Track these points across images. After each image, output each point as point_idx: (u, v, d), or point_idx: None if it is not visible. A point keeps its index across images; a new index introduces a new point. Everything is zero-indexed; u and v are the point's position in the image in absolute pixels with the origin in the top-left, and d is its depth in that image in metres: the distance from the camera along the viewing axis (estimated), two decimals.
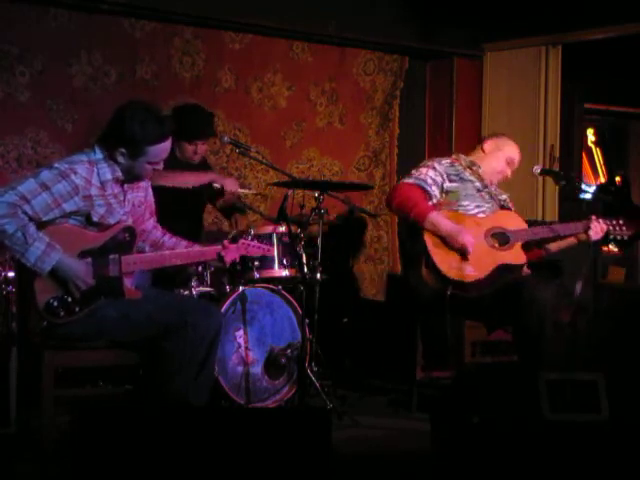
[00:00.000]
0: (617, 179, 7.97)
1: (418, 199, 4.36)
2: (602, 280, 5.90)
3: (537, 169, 4.72)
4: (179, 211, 4.60)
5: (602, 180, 8.26)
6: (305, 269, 4.58)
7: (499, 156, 4.58)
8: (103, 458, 2.79)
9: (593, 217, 4.46)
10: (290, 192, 4.51)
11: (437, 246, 4.30)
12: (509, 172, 4.61)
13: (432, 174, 4.47)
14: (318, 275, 4.70)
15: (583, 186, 4.87)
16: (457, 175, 4.52)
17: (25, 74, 4.90)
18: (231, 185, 4.75)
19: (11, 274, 3.91)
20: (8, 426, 3.86)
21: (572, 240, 4.51)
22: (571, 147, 7.37)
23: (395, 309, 5.79)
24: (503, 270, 4.30)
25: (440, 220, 4.31)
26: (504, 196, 4.68)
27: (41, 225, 3.49)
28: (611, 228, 4.46)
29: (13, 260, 3.71)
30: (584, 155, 8.10)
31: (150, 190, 3.87)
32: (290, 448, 2.79)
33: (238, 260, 3.97)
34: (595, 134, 8.29)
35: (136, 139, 3.53)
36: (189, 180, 4.62)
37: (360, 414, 4.54)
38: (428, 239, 4.32)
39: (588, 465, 2.87)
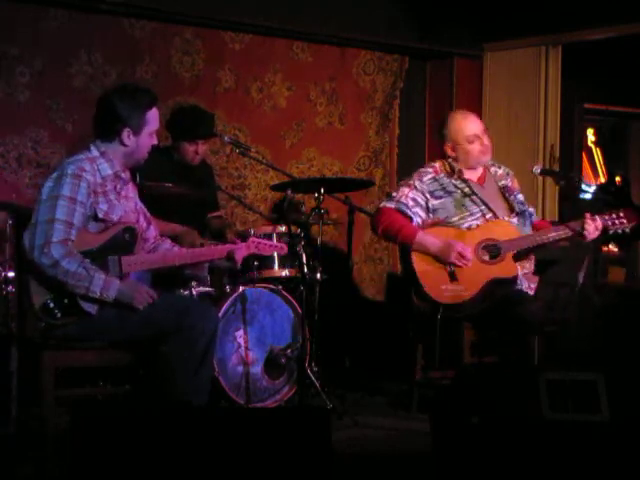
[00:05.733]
0: (617, 179, 7.98)
1: (402, 223, 4.39)
2: (602, 280, 5.90)
3: (537, 169, 4.69)
4: (181, 219, 4.62)
5: (602, 180, 8.27)
6: (305, 269, 4.58)
7: (462, 146, 4.48)
8: (103, 458, 2.79)
9: (587, 215, 4.35)
10: (290, 192, 4.53)
11: (425, 268, 4.32)
12: (482, 142, 4.48)
13: (414, 194, 4.46)
14: (318, 275, 4.70)
15: (583, 186, 4.85)
16: (442, 189, 4.49)
17: (25, 74, 4.90)
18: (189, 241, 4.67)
19: (11, 274, 3.91)
20: (8, 426, 3.85)
21: (564, 242, 4.45)
22: (571, 147, 7.37)
23: (395, 309, 5.79)
24: (494, 284, 4.29)
25: (427, 240, 4.32)
26: (520, 196, 4.61)
27: None
28: (609, 223, 4.33)
29: (13, 260, 3.72)
30: (584, 155, 8.11)
31: (138, 199, 3.89)
32: (290, 448, 2.79)
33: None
34: (595, 134, 8.30)
35: (134, 111, 3.62)
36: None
37: (360, 414, 4.54)
38: (416, 261, 4.33)
39: (588, 465, 2.86)
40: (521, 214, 4.56)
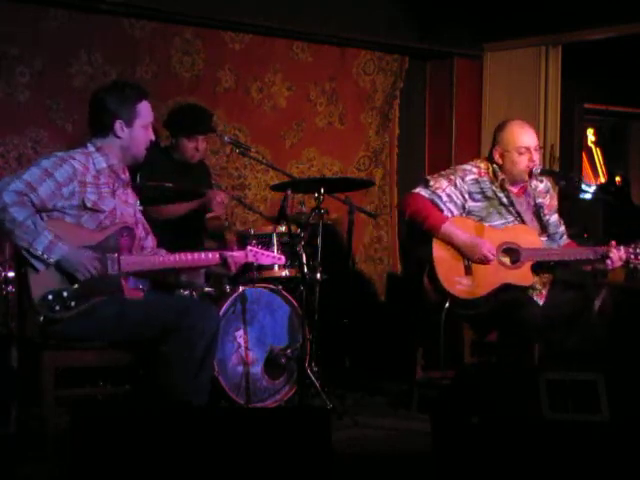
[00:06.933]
0: (617, 179, 7.98)
1: (431, 210, 4.32)
2: (602, 280, 5.89)
3: (537, 169, 4.66)
4: (179, 219, 4.63)
5: (602, 180, 8.27)
6: (305, 269, 4.58)
7: (511, 155, 4.40)
8: (103, 458, 2.79)
9: (613, 243, 4.30)
10: (290, 192, 4.52)
11: (443, 256, 4.27)
12: (531, 158, 4.39)
13: (451, 191, 4.37)
14: (318, 275, 4.70)
15: (583, 186, 4.83)
16: (482, 193, 4.40)
17: (25, 74, 4.90)
18: (219, 209, 4.71)
19: (11, 274, 3.91)
20: (8, 426, 3.85)
21: (587, 267, 4.37)
22: (571, 147, 7.37)
23: (395, 309, 5.79)
24: (505, 289, 4.27)
25: (454, 231, 4.26)
26: (555, 216, 4.56)
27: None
28: (632, 257, 4.28)
29: (13, 260, 3.71)
30: (584, 155, 8.11)
31: (137, 209, 3.90)
32: (290, 448, 2.79)
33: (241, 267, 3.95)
34: (595, 134, 8.30)
35: (123, 104, 3.67)
36: (179, 209, 4.62)
37: (360, 414, 4.54)
38: (436, 247, 4.28)
39: (588, 465, 2.86)
40: (552, 236, 4.52)
